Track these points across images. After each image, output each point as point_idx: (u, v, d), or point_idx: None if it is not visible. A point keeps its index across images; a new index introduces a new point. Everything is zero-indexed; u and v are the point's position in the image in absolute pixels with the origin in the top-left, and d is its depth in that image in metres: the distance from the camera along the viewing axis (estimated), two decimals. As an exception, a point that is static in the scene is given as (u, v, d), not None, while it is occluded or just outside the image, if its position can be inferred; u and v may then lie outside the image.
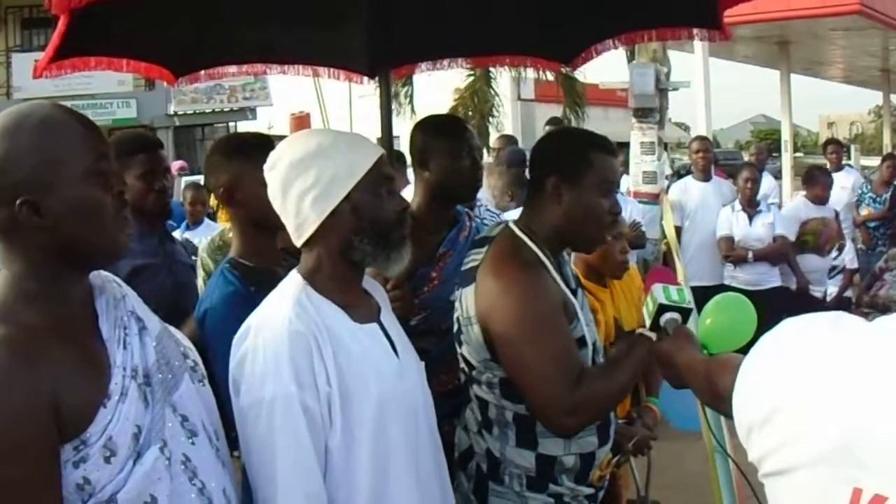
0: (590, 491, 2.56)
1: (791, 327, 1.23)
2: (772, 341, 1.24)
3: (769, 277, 7.46)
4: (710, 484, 3.57)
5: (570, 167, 2.51)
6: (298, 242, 2.15)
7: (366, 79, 3.89)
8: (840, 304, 8.29)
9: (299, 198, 2.09)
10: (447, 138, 3.15)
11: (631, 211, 6.56)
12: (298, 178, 2.08)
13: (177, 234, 6.70)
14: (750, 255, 7.35)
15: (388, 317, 2.29)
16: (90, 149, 1.66)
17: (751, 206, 7.56)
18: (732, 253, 7.44)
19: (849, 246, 8.90)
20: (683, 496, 4.60)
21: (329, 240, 2.12)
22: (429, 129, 3.25)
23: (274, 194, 2.14)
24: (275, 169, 2.13)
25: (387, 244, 2.15)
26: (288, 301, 2.06)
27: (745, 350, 1.34)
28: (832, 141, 11.98)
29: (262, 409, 1.94)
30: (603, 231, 2.62)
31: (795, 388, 1.13)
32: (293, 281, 2.13)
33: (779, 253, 7.49)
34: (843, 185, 10.20)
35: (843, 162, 11.80)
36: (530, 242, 2.50)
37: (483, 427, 2.52)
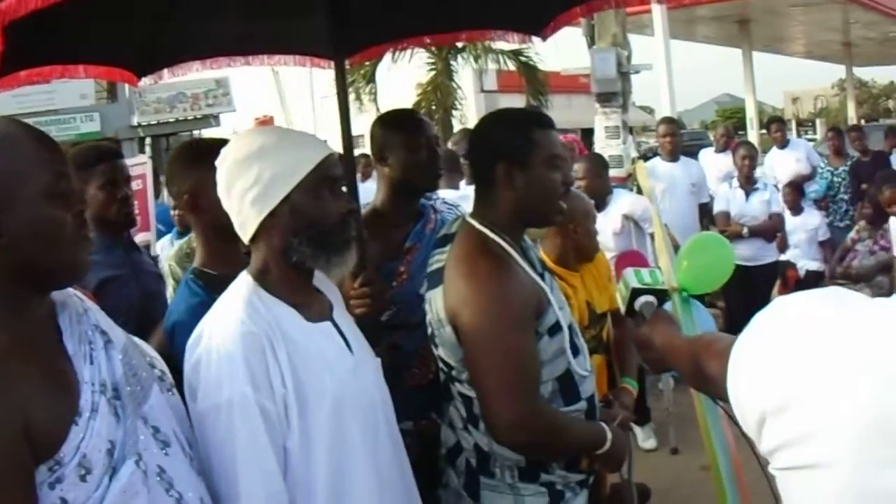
0: (580, 477, 2.57)
1: (793, 307, 1.14)
2: (773, 323, 1.14)
3: (765, 253, 7.61)
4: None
5: (517, 151, 2.47)
6: (245, 240, 2.15)
7: (328, 79, 3.81)
8: (810, 277, 8.36)
9: (241, 196, 2.08)
10: (403, 132, 3.14)
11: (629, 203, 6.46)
12: (241, 176, 2.08)
13: (167, 239, 6.66)
14: (745, 230, 7.47)
15: (341, 314, 2.28)
16: (50, 168, 1.64)
17: (748, 183, 7.72)
18: (728, 228, 7.53)
19: (819, 219, 8.96)
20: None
21: (271, 240, 2.11)
22: (385, 124, 3.24)
23: (221, 192, 2.14)
24: (221, 166, 2.13)
25: (326, 247, 2.12)
26: (239, 302, 2.05)
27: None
28: (775, 119, 12.11)
29: (219, 412, 1.92)
30: (560, 204, 2.57)
31: (815, 374, 1.04)
32: (244, 282, 2.12)
33: (773, 230, 7.68)
34: (798, 158, 10.34)
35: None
36: (492, 234, 2.46)
37: (469, 423, 2.51)
